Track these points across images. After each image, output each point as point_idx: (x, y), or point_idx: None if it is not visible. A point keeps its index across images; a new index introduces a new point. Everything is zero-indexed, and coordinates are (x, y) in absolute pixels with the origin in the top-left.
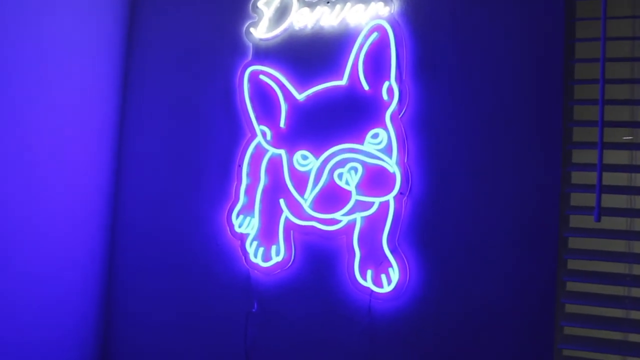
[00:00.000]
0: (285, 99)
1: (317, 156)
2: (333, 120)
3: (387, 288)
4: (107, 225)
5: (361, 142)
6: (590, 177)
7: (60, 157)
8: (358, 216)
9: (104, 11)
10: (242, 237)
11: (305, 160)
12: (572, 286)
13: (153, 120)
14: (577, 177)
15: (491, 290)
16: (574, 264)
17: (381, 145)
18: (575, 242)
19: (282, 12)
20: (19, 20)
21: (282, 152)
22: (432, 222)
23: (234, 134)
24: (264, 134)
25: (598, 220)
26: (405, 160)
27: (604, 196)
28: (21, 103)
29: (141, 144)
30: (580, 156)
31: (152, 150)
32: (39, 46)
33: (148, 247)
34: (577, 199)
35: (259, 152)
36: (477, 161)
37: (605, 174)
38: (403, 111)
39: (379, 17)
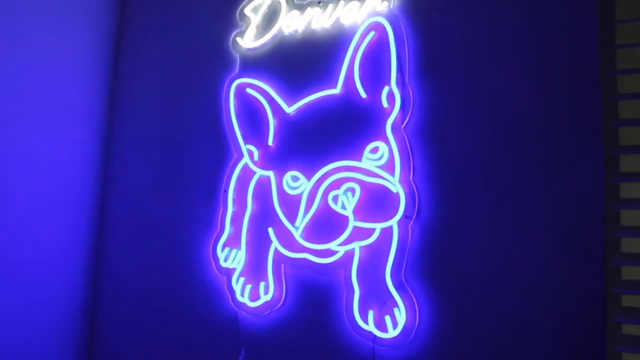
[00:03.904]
0: (274, 113)
1: (309, 177)
2: (326, 134)
3: (392, 332)
4: (90, 258)
5: (359, 159)
6: None
7: (39, 187)
8: (357, 246)
9: (90, 31)
10: (229, 273)
11: (295, 182)
12: (626, 328)
13: (136, 144)
14: (627, 190)
15: (523, 333)
16: (629, 300)
17: (382, 161)
18: (629, 272)
19: (270, 18)
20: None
21: (270, 173)
22: (446, 250)
23: (220, 155)
24: (250, 154)
25: None
26: (411, 178)
27: None
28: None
29: (125, 173)
30: (629, 163)
31: (135, 179)
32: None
33: (131, 287)
34: (628, 216)
35: (246, 175)
36: (497, 176)
37: None
38: (407, 120)
39: (376, 14)
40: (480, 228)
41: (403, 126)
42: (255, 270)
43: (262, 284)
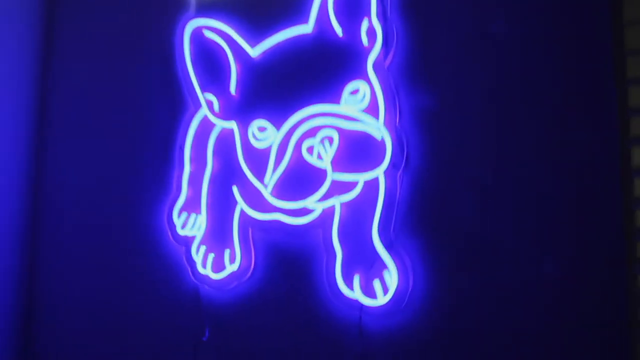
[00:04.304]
0: (236, 57)
1: (278, 127)
2: (298, 79)
3: (382, 299)
4: (26, 227)
5: (337, 103)
6: None
7: None
8: (336, 202)
9: None
10: (188, 242)
11: (263, 133)
12: None
13: (78, 99)
14: None
15: (527, 294)
16: None
17: (363, 103)
18: None
19: None
20: None
21: (233, 124)
22: (440, 203)
23: (174, 108)
24: (210, 104)
25: None
26: (397, 122)
27: None
28: None
29: (65, 132)
30: None
31: (77, 138)
32: None
33: (75, 261)
34: None
35: (205, 129)
36: (497, 118)
37: None
38: (390, 57)
39: None
40: (479, 177)
41: (387, 64)
42: (218, 236)
43: (226, 252)
